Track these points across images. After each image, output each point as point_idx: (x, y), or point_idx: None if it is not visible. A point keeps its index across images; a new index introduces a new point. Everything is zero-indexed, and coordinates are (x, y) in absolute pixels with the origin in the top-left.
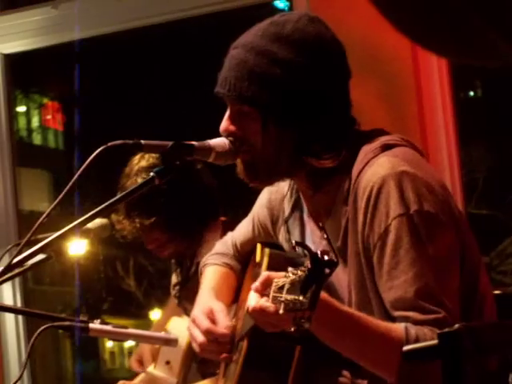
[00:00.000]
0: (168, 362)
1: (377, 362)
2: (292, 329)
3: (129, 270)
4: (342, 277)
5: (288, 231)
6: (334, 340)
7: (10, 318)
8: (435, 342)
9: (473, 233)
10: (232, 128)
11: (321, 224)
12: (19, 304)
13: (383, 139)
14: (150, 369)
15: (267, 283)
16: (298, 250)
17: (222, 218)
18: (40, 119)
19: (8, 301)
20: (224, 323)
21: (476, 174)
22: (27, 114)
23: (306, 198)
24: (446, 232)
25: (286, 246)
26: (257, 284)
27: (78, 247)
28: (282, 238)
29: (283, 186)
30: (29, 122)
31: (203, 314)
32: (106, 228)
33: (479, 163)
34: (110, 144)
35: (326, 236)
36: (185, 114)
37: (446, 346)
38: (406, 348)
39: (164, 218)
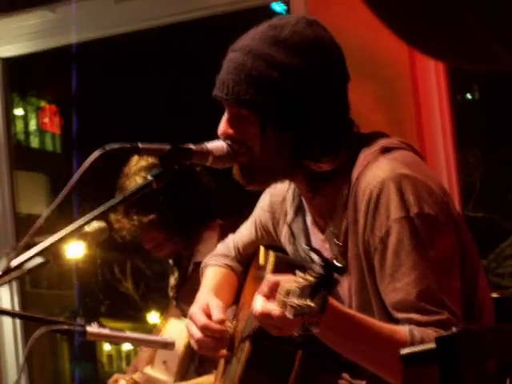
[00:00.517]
0: (165, 362)
1: (381, 364)
2: (299, 333)
3: (126, 273)
4: (342, 279)
5: (292, 235)
6: (338, 343)
7: (7, 321)
8: (433, 345)
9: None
10: (230, 131)
11: (328, 229)
12: (17, 307)
13: (382, 142)
14: (147, 369)
15: (274, 287)
16: (303, 253)
17: (220, 222)
18: (37, 122)
19: (5, 304)
20: (217, 317)
21: (473, 176)
22: (25, 117)
23: (307, 201)
24: (446, 234)
25: (289, 248)
26: (263, 288)
27: (75, 250)
28: (285, 240)
29: (283, 188)
30: (26, 125)
31: (200, 310)
32: (103, 231)
33: (476, 166)
34: (107, 147)
35: (331, 238)
36: (182, 117)
37: (443, 349)
38: (403, 352)
39: (162, 216)
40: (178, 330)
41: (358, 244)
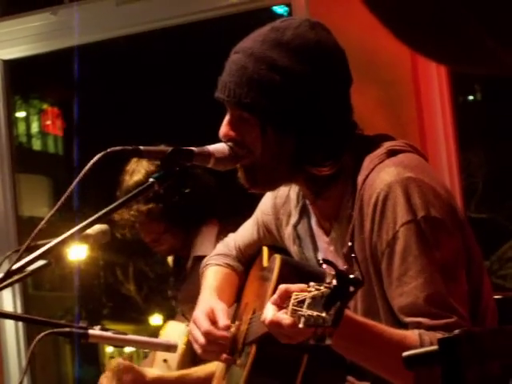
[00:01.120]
0: (165, 361)
1: (392, 369)
2: (311, 343)
3: (128, 276)
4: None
5: (298, 237)
6: (350, 351)
7: (10, 323)
8: (435, 347)
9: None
10: (231, 133)
11: (336, 234)
12: (19, 310)
13: (388, 145)
14: (148, 368)
15: (286, 296)
16: (304, 256)
17: (219, 222)
18: (40, 125)
19: (8, 307)
20: (223, 323)
21: (475, 178)
22: (27, 119)
23: (311, 203)
24: (452, 237)
25: (293, 249)
26: (275, 297)
27: (77, 253)
28: (289, 241)
29: (285, 189)
30: (28, 127)
31: (204, 315)
32: (105, 233)
33: (478, 167)
34: (109, 150)
35: (337, 241)
36: (185, 119)
37: (446, 351)
38: (405, 354)
39: (161, 207)
40: (177, 328)
41: (365, 248)
